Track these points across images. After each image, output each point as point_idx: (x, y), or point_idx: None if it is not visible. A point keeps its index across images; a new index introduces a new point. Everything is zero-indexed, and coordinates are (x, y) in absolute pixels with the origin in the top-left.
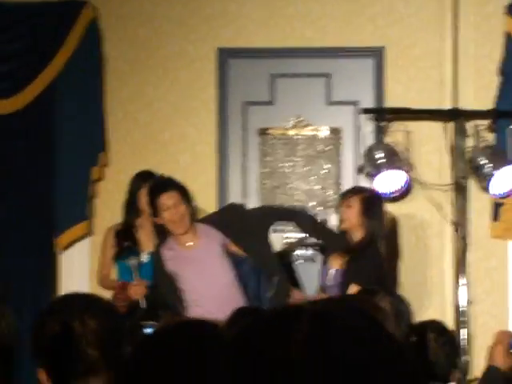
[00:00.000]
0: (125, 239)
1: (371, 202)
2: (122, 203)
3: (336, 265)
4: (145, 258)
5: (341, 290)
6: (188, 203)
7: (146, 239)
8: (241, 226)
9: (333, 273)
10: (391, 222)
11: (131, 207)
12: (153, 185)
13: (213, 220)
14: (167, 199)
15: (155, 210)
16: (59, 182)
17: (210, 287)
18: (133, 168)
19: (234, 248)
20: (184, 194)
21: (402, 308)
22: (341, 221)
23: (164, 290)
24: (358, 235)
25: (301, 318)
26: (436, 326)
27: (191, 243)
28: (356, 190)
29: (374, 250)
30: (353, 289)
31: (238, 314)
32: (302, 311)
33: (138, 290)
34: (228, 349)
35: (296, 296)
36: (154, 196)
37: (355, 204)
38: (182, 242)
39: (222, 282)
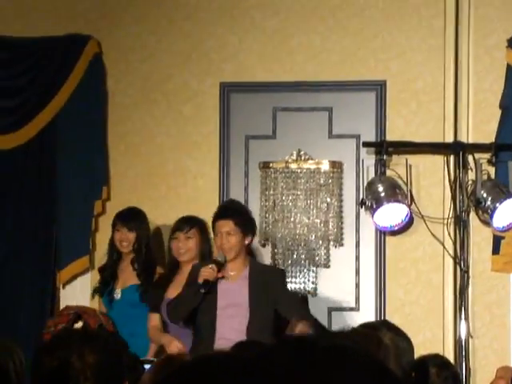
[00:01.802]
0: (105, 276)
1: (206, 230)
2: None
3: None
4: (117, 295)
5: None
6: (244, 234)
7: (122, 276)
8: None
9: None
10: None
11: (112, 244)
12: (219, 207)
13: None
14: (219, 226)
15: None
16: (62, 215)
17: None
18: (134, 202)
19: None
20: (241, 224)
21: (402, 344)
22: (179, 253)
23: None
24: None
25: (312, 352)
26: (438, 361)
27: (232, 275)
28: (191, 221)
29: None
30: None
31: (241, 346)
32: (314, 344)
33: None
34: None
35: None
36: (214, 218)
37: (196, 235)
38: (227, 270)
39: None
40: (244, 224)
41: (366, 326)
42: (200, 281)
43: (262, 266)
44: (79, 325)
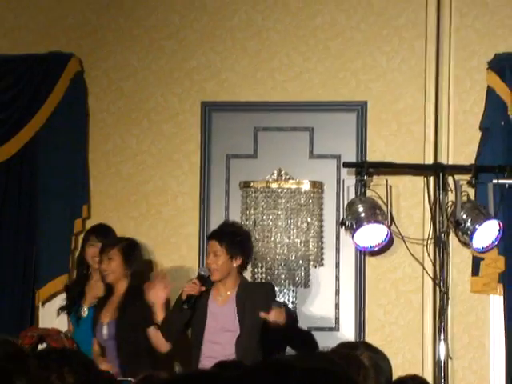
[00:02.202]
0: (73, 293)
1: (131, 251)
2: None
3: (107, 318)
4: (84, 312)
5: (117, 342)
6: (231, 256)
7: (90, 293)
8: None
9: (105, 327)
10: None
11: (81, 260)
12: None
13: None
14: (209, 246)
15: None
16: (42, 233)
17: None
18: (114, 220)
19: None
20: (227, 246)
21: (381, 363)
22: (105, 275)
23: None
24: (122, 285)
25: (290, 375)
26: (416, 382)
27: (222, 297)
28: (113, 243)
29: (142, 295)
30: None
31: (221, 367)
32: (292, 367)
33: None
34: None
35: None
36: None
37: (117, 256)
38: (217, 291)
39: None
40: (231, 246)
41: (344, 346)
42: (183, 297)
43: (250, 284)
44: (43, 346)
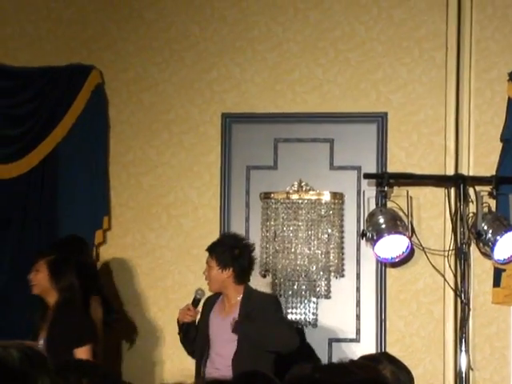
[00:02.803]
0: None
1: (58, 265)
2: (122, 267)
3: (43, 335)
4: None
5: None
6: (221, 267)
7: None
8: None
9: (41, 342)
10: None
11: None
12: None
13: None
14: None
15: None
16: None
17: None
18: (135, 231)
19: None
20: (217, 257)
21: (403, 377)
22: (31, 286)
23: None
24: (52, 299)
25: None
26: None
27: (226, 308)
28: (43, 254)
29: (71, 310)
30: (79, 353)
31: (245, 377)
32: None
33: None
34: None
35: None
36: None
37: (43, 268)
38: (223, 304)
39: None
40: (220, 257)
41: (366, 358)
42: (180, 322)
43: (254, 296)
44: None
